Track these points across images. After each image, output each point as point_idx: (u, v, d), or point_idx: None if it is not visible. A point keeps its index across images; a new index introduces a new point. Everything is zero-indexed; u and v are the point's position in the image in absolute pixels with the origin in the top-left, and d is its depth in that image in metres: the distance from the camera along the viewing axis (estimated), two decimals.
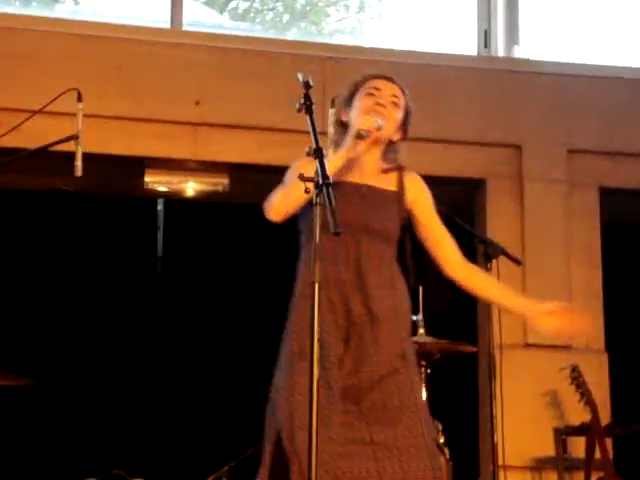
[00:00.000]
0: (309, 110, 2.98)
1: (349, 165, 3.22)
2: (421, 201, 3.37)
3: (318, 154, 2.86)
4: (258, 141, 5.55)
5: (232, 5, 6.97)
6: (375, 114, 3.22)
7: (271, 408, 3.16)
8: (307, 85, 3.02)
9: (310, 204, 3.03)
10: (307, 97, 3.01)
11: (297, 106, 3.04)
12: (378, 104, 3.26)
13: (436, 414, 4.45)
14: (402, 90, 3.38)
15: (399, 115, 3.33)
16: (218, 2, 6.88)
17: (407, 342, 3.26)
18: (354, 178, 3.23)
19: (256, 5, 6.98)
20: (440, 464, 3.19)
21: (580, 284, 5.77)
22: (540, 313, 3.35)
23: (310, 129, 2.94)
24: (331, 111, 3.99)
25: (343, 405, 3.09)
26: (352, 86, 3.37)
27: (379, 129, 3.18)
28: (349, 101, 3.35)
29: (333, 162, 3.12)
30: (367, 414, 3.10)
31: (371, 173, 3.27)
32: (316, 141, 2.89)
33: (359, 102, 3.30)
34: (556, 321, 3.33)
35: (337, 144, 3.29)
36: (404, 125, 3.37)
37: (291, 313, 3.26)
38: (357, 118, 3.23)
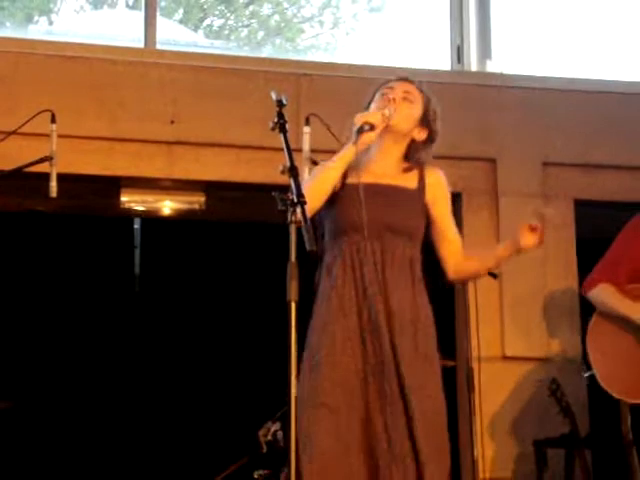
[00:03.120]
0: (283, 129, 3.01)
1: (368, 166, 3.27)
2: (438, 198, 3.38)
3: (292, 172, 2.87)
4: (233, 159, 5.55)
5: (206, 22, 6.98)
6: (379, 108, 3.28)
7: None
8: (280, 104, 3.04)
9: (332, 205, 3.17)
10: (281, 115, 3.03)
11: (271, 125, 3.06)
12: (388, 100, 3.30)
13: None
14: (419, 89, 3.41)
15: (413, 110, 3.36)
16: (192, 20, 6.89)
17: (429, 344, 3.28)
18: (373, 178, 3.25)
19: (230, 22, 6.99)
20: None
21: (556, 296, 5.79)
22: (517, 241, 3.41)
23: (284, 147, 2.95)
24: (306, 129, 4.01)
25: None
26: (371, 95, 3.43)
27: (388, 118, 3.20)
28: (367, 107, 3.40)
29: (341, 158, 3.18)
30: None
31: (392, 172, 3.30)
32: (290, 159, 2.91)
33: (373, 105, 3.36)
34: (532, 235, 3.41)
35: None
36: (425, 123, 3.38)
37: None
38: (362, 117, 3.26)
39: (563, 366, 5.62)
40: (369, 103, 3.40)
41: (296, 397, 2.80)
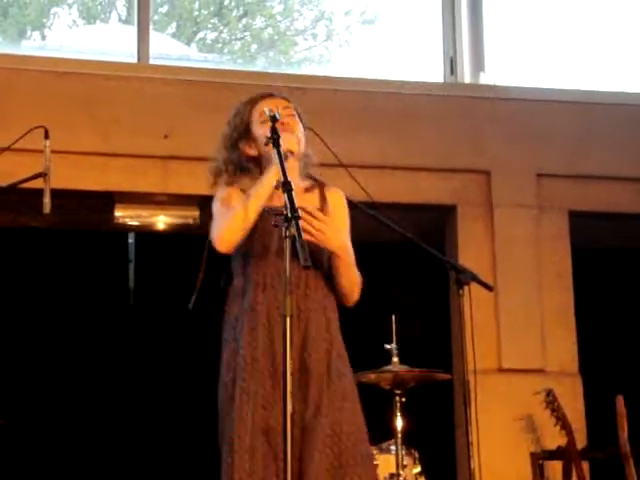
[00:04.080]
0: (276, 144, 2.99)
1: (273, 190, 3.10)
2: (339, 218, 3.29)
3: (286, 187, 2.85)
4: None
5: (200, 36, 6.99)
6: (287, 133, 3.13)
7: None
8: (274, 119, 3.02)
9: None
10: (274, 130, 3.01)
11: (264, 140, 3.04)
12: (281, 124, 3.11)
13: (413, 442, 4.48)
14: (287, 99, 3.33)
15: (300, 125, 3.28)
16: (186, 33, 6.89)
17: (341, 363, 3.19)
18: (278, 201, 3.02)
19: (224, 35, 7.00)
20: None
21: (552, 308, 5.80)
22: None
23: (277, 162, 2.93)
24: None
25: None
26: (241, 117, 3.31)
27: (277, 120, 3.04)
28: (248, 134, 3.28)
29: (266, 186, 3.06)
30: None
31: (296, 193, 3.02)
32: (284, 174, 2.89)
33: (260, 132, 3.21)
34: None
35: (233, 182, 3.23)
36: (305, 128, 3.31)
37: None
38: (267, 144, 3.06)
39: (559, 378, 5.62)
40: (245, 129, 3.28)
41: (292, 413, 2.79)
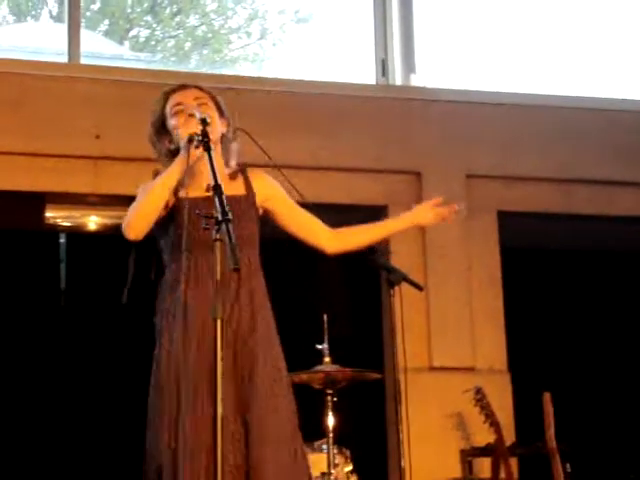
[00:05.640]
0: (207, 147, 2.99)
1: (194, 180, 3.15)
2: (275, 195, 3.37)
3: (217, 191, 2.86)
4: None
5: (133, 33, 6.95)
6: (183, 125, 3.17)
7: None
8: (204, 122, 3.03)
9: (167, 222, 3.14)
10: (204, 134, 3.02)
11: (195, 143, 3.05)
12: (190, 115, 3.16)
13: (344, 441, 4.51)
14: (200, 88, 3.35)
15: (212, 112, 3.27)
16: (119, 31, 6.85)
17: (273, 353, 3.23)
18: (201, 192, 3.04)
19: (157, 33, 6.97)
20: None
21: (482, 306, 5.88)
22: (415, 215, 3.56)
23: (208, 166, 2.93)
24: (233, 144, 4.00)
25: None
26: (157, 114, 3.34)
27: (207, 124, 3.03)
28: (163, 130, 3.32)
29: (170, 173, 3.11)
30: None
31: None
32: (215, 178, 2.89)
33: (172, 124, 3.27)
34: (428, 212, 3.55)
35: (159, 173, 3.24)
36: (223, 114, 3.34)
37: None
38: (182, 131, 3.15)
39: (489, 376, 5.70)
40: (161, 125, 3.32)
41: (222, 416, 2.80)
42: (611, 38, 6.66)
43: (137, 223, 3.15)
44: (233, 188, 3.23)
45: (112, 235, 5.98)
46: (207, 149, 2.99)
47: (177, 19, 6.90)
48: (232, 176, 3.31)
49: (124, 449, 5.74)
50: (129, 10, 6.90)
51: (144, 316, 6.15)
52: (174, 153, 3.26)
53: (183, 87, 3.35)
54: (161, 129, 3.34)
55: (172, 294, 3.22)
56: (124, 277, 5.99)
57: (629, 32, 6.71)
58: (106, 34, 6.81)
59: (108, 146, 5.48)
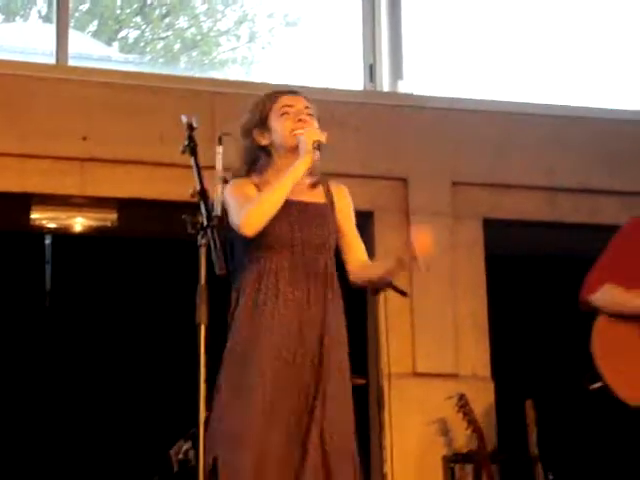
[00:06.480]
0: (193, 152, 3.01)
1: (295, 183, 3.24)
2: (345, 211, 3.46)
3: (202, 195, 2.88)
4: (146, 176, 5.54)
5: (122, 34, 6.95)
6: (309, 126, 3.27)
7: None
8: (190, 127, 3.05)
9: None
10: (191, 138, 3.04)
11: (181, 148, 3.07)
12: (300, 120, 3.29)
13: None
14: (307, 99, 3.43)
15: (314, 122, 3.36)
16: (107, 32, 6.85)
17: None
18: (291, 195, 3.23)
19: (146, 35, 6.97)
20: None
21: (466, 314, 5.88)
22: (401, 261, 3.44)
23: (194, 171, 2.96)
24: (219, 148, 4.01)
25: None
26: (261, 108, 3.39)
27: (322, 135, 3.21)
28: (263, 124, 3.36)
29: (297, 174, 3.17)
30: None
31: (300, 189, 3.28)
32: (200, 182, 2.91)
33: (278, 123, 3.33)
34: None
35: (250, 171, 3.33)
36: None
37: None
38: (285, 135, 3.27)
39: (472, 382, 5.71)
40: (263, 119, 3.37)
41: (206, 418, 2.82)
42: (597, 48, 6.69)
43: (259, 220, 3.18)
44: (312, 195, 3.33)
45: (97, 237, 5.99)
46: (193, 154, 3.02)
47: (166, 21, 6.91)
48: (313, 185, 3.36)
49: (109, 449, 5.75)
50: (118, 11, 6.89)
51: (129, 317, 6.18)
52: (264, 148, 3.34)
53: (293, 92, 3.44)
54: (259, 123, 3.37)
55: (250, 295, 3.25)
56: (108, 284, 6.01)
57: (614, 42, 6.74)
58: (94, 35, 6.81)
59: (95, 148, 5.47)
